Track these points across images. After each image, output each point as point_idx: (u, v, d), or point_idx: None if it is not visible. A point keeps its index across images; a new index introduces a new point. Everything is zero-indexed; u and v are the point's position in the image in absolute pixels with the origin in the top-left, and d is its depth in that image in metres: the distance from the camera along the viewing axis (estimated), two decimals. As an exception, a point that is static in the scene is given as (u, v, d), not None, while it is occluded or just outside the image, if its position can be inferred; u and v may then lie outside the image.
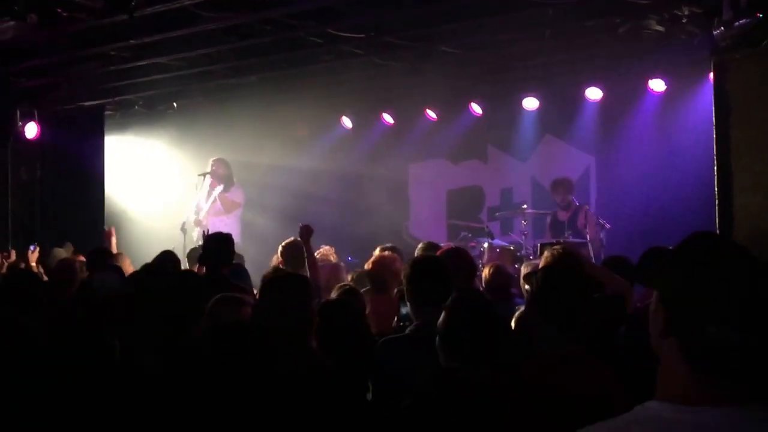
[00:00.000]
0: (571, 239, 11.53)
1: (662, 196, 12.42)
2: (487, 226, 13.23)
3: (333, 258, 9.13)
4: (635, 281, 5.58)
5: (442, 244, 9.00)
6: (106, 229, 11.26)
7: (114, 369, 4.54)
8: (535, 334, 4.36)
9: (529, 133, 14.45)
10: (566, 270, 4.52)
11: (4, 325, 4.46)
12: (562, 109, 13.81)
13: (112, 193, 14.86)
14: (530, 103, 13.91)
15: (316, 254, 8.63)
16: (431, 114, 14.92)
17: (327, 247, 9.23)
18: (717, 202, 8.37)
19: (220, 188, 14.13)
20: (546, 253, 6.22)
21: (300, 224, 8.15)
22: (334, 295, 6.44)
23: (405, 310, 5.82)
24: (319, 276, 7.84)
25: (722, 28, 7.87)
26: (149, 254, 9.58)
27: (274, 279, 5.38)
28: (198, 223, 13.59)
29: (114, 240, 11.10)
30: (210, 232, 8.74)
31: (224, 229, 8.86)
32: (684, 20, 9.43)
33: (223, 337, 4.13)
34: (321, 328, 4.96)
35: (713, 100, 8.52)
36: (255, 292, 6.93)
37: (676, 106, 12.55)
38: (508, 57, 12.24)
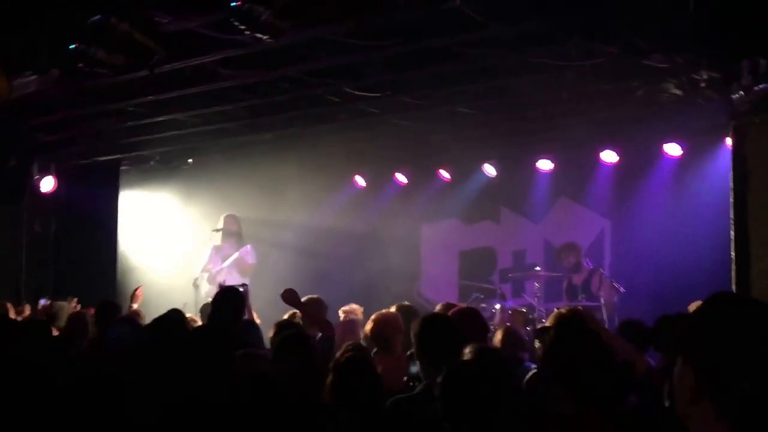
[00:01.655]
0: (584, 303, 11.47)
1: (677, 260, 12.31)
2: (499, 288, 13.18)
3: (359, 317, 9.02)
4: (653, 347, 5.53)
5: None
6: (137, 289, 11.08)
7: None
8: (544, 392, 4.30)
9: (542, 195, 14.42)
10: (580, 329, 4.46)
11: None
12: (577, 171, 13.80)
13: (126, 248, 14.88)
14: (544, 165, 13.91)
15: (342, 311, 8.59)
16: (444, 174, 14.93)
17: (355, 306, 9.15)
18: (735, 268, 8.30)
19: (236, 255, 14.14)
20: (554, 312, 6.18)
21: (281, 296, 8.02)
22: (339, 354, 6.39)
23: (415, 368, 5.77)
24: (319, 324, 7.72)
25: (741, 92, 7.87)
26: (160, 309, 9.53)
27: (284, 339, 5.44)
28: (212, 279, 13.57)
29: (140, 300, 10.94)
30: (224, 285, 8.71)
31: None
32: (702, 84, 9.44)
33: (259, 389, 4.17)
34: (335, 386, 4.94)
35: (732, 164, 8.51)
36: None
37: (692, 170, 12.52)
38: (523, 119, 12.28)
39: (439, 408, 4.11)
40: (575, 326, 4.58)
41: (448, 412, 4.07)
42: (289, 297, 7.82)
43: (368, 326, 7.49)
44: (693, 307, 6.03)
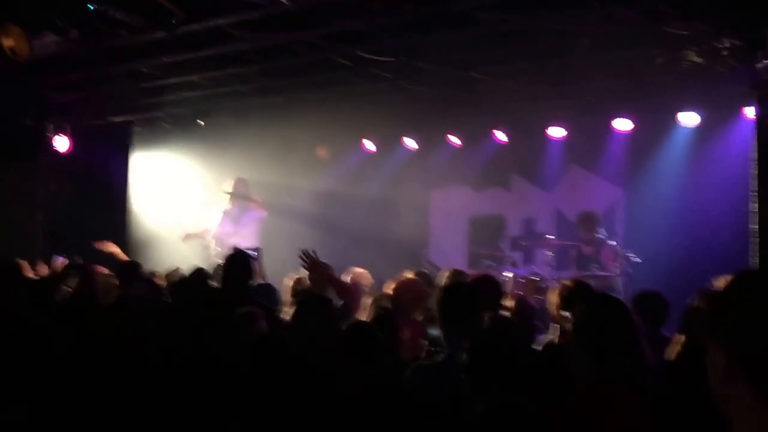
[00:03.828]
0: (597, 273, 11.45)
1: (692, 230, 12.25)
2: (510, 256, 13.15)
3: (366, 282, 8.98)
4: (681, 333, 5.51)
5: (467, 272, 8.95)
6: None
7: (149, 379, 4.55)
8: (573, 365, 4.30)
9: (554, 163, 14.33)
10: (612, 302, 4.46)
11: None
12: (590, 139, 13.68)
13: (137, 208, 14.92)
14: (556, 132, 13.84)
15: (348, 276, 8.59)
16: (455, 140, 14.87)
17: (360, 270, 9.08)
18: (758, 240, 8.23)
19: (258, 216, 14.18)
20: (566, 283, 6.19)
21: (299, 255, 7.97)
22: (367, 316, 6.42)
23: (435, 332, 5.79)
24: (345, 294, 7.77)
25: (765, 61, 7.79)
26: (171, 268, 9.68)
27: (302, 302, 5.46)
28: (221, 242, 13.58)
29: (114, 250, 11.00)
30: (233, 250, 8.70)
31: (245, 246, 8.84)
32: (724, 53, 9.34)
33: (262, 351, 4.16)
34: (352, 349, 4.97)
35: (755, 133, 8.41)
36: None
37: (709, 139, 12.41)
38: (536, 85, 12.20)
39: (464, 377, 4.12)
40: (604, 301, 4.57)
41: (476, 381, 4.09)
42: (320, 272, 7.78)
43: (390, 291, 7.48)
44: (718, 282, 5.98)
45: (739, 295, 1.92)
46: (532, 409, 3.84)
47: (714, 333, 1.93)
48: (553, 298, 6.71)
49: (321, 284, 7.96)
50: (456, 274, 8.35)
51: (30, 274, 9.21)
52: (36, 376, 4.07)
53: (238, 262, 7.57)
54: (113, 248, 10.93)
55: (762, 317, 1.84)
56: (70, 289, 7.89)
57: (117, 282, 8.51)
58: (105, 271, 9.07)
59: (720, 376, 1.89)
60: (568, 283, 6.14)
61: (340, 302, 7.27)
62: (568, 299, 5.61)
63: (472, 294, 5.47)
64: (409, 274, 8.10)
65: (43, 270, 10.46)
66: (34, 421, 3.93)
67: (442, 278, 8.16)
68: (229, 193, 14.11)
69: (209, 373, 4.58)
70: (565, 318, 5.29)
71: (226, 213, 14.19)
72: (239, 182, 14.35)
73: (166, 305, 5.71)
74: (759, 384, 1.82)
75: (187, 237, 13.61)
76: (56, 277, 8.07)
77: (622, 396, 3.86)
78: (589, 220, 12.29)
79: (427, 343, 6.12)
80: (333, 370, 4.75)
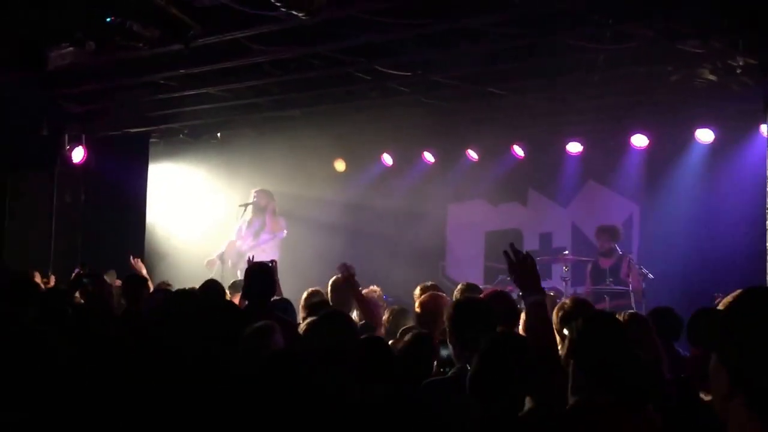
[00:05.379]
0: (612, 287, 11.44)
1: (707, 247, 12.23)
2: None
3: (380, 299, 9.00)
4: (688, 340, 5.50)
5: (481, 287, 8.91)
6: (132, 260, 11.14)
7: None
8: (572, 383, 4.28)
9: (571, 178, 14.36)
10: (608, 320, 4.45)
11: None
12: (606, 154, 13.72)
13: (154, 220, 14.96)
14: (574, 148, 13.85)
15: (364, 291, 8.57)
16: (473, 154, 14.88)
17: (374, 287, 9.10)
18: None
19: (280, 234, 14.13)
20: (564, 302, 6.16)
21: (338, 265, 8.07)
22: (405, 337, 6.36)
23: (446, 352, 5.73)
24: (369, 313, 7.79)
25: (778, 79, 7.80)
26: (186, 282, 9.61)
27: (319, 319, 5.44)
28: (238, 251, 13.58)
29: (143, 270, 10.96)
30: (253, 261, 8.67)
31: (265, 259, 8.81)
32: (738, 71, 9.35)
33: (278, 365, 4.18)
34: (366, 362, 4.96)
35: (768, 151, 8.41)
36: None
37: (725, 156, 12.43)
38: (555, 100, 12.21)
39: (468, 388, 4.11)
40: (602, 319, 4.56)
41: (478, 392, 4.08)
42: (349, 284, 7.83)
43: (417, 309, 7.40)
44: (722, 302, 5.98)
45: (740, 313, 1.94)
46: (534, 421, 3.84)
47: (716, 351, 1.95)
48: (553, 317, 6.68)
49: (344, 300, 7.97)
50: (469, 289, 8.29)
51: (41, 284, 9.23)
52: (46, 384, 4.09)
53: (260, 275, 7.54)
54: (143, 269, 10.88)
55: (759, 336, 1.85)
56: (81, 300, 7.90)
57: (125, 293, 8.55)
58: (116, 282, 9.10)
59: (721, 391, 1.91)
60: (566, 301, 6.09)
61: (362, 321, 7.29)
62: (565, 318, 5.57)
63: (484, 310, 5.45)
64: (418, 290, 8.06)
65: (52, 283, 10.48)
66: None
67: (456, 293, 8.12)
68: (246, 205, 14.09)
69: (221, 387, 4.58)
70: (564, 336, 5.26)
71: (246, 224, 14.19)
72: (261, 194, 14.29)
73: (179, 317, 5.70)
74: (754, 402, 1.84)
75: (210, 264, 13.47)
76: (68, 288, 8.07)
77: (618, 414, 3.85)
78: (610, 232, 12.37)
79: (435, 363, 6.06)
80: (345, 385, 4.75)
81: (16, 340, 3.95)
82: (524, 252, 5.00)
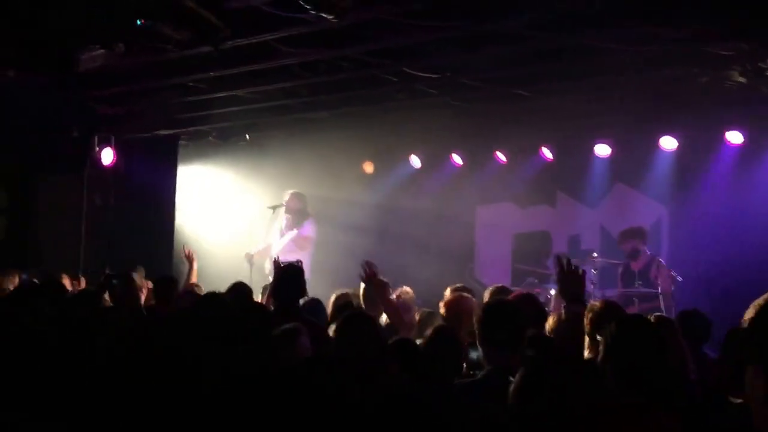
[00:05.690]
0: (641, 289, 11.39)
1: (737, 250, 12.10)
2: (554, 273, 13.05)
3: (411, 301, 8.99)
4: (721, 356, 5.46)
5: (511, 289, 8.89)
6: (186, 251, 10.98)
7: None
8: (608, 386, 4.28)
9: (599, 180, 14.27)
10: (641, 324, 4.44)
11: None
12: (635, 157, 13.62)
13: (183, 222, 15.02)
14: (602, 150, 13.78)
15: (395, 294, 8.58)
16: (501, 157, 14.85)
17: (406, 289, 9.09)
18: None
19: (294, 232, 14.03)
20: (593, 303, 6.14)
21: (362, 264, 8.08)
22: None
23: (475, 354, 5.73)
24: (393, 313, 7.79)
25: (808, 81, 7.73)
26: (215, 285, 9.61)
27: (344, 320, 5.45)
28: (267, 255, 13.56)
29: (195, 266, 10.82)
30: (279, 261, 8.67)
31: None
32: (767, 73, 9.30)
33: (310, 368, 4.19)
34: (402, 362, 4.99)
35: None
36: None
37: (754, 159, 12.34)
38: (582, 102, 12.18)
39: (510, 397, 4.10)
40: (634, 322, 4.55)
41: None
42: (376, 288, 7.84)
43: (442, 311, 7.41)
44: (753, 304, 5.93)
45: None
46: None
47: (752, 356, 1.93)
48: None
49: (373, 300, 7.98)
50: (499, 291, 8.28)
51: (69, 287, 9.29)
52: (45, 384, 4.12)
53: (289, 277, 7.55)
54: (195, 262, 10.74)
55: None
56: (109, 301, 7.93)
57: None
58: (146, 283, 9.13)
59: (758, 396, 1.89)
60: (597, 304, 6.06)
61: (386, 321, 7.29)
62: (597, 322, 5.55)
63: (513, 312, 5.44)
64: (449, 292, 8.07)
65: (83, 285, 10.53)
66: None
67: (486, 295, 8.12)
68: (275, 207, 14.06)
69: (241, 392, 4.59)
70: (597, 340, 5.24)
71: (277, 227, 14.19)
72: (294, 197, 14.19)
73: (204, 319, 5.71)
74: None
75: (248, 256, 13.40)
76: (97, 289, 8.12)
77: (652, 416, 3.84)
78: (631, 233, 12.37)
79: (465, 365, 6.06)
80: (375, 386, 4.75)
81: (16, 340, 3.98)
82: (575, 264, 5.05)
